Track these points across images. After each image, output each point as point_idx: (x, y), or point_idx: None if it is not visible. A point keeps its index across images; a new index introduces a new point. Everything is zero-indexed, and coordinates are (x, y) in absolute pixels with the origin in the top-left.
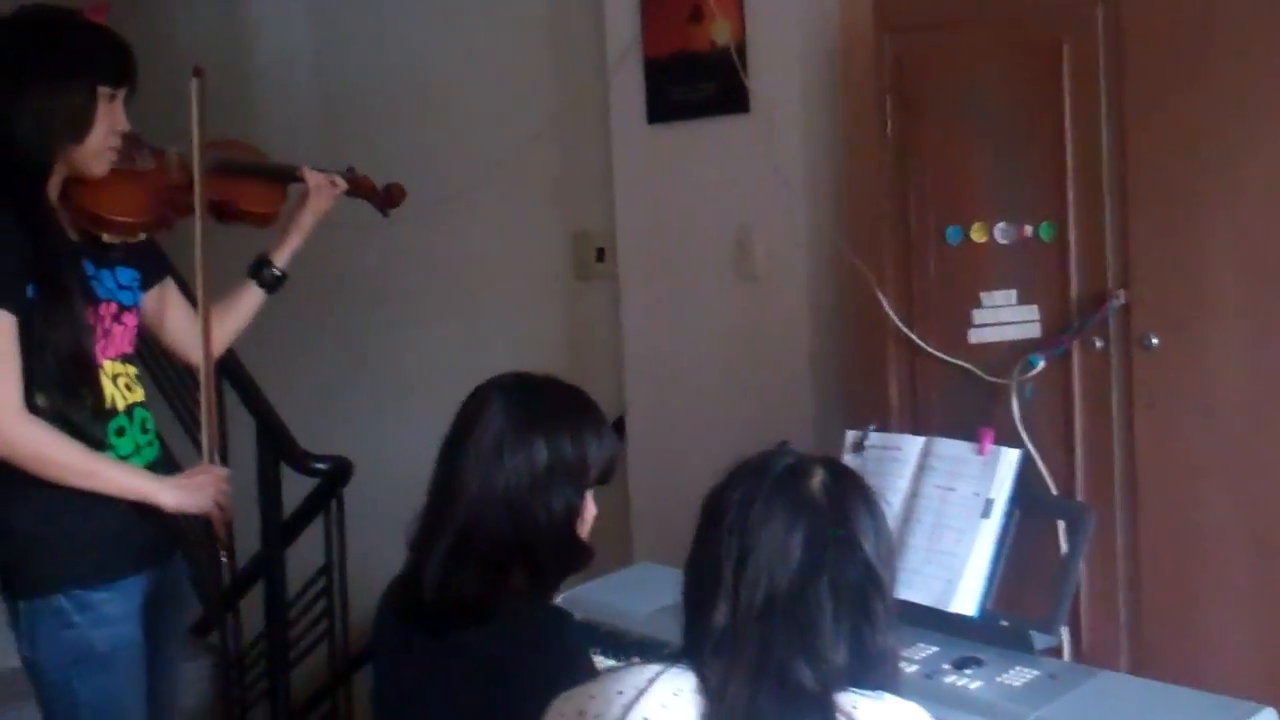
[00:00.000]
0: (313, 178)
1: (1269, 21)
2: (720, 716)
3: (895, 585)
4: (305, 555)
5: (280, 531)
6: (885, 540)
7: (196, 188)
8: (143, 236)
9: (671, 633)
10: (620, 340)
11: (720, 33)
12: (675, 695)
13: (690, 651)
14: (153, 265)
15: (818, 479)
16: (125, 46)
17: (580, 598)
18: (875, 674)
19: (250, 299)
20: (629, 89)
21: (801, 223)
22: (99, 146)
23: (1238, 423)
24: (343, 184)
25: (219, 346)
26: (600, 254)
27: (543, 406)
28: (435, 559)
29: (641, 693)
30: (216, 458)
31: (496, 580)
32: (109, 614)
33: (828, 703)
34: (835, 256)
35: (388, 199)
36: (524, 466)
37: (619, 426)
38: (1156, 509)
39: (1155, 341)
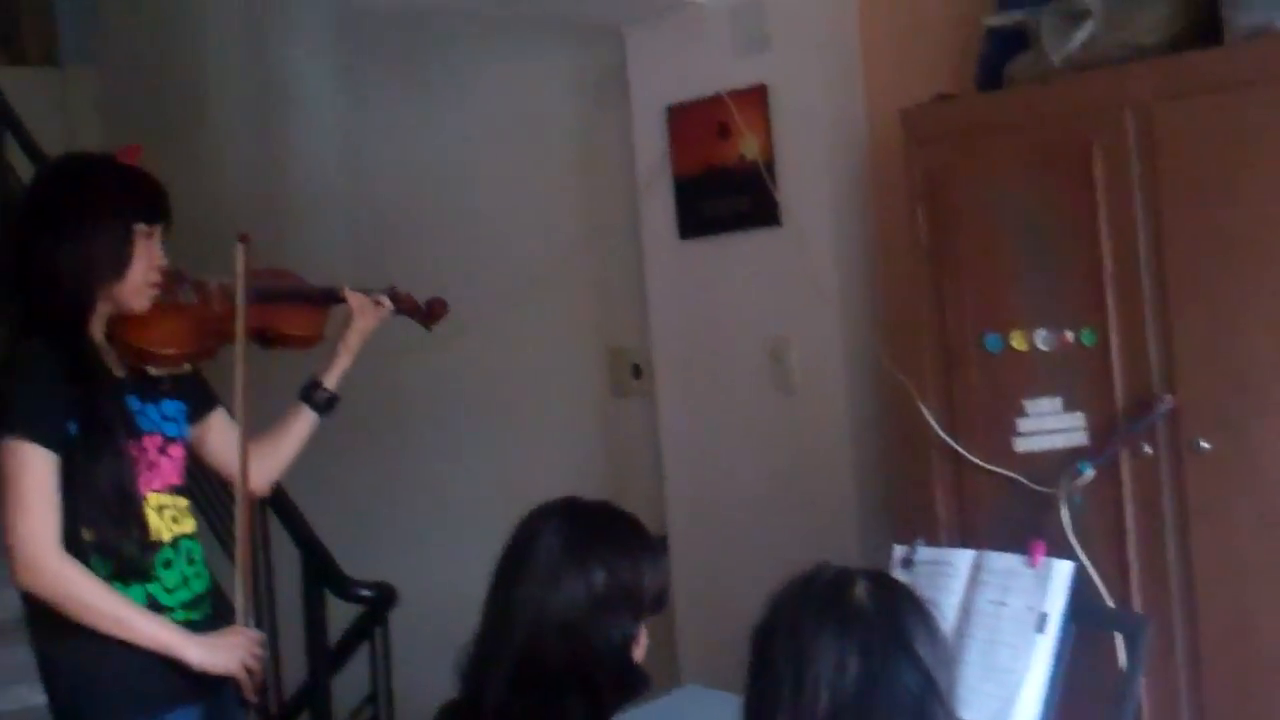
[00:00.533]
0: (354, 298)
1: None
2: None
3: (955, 694)
4: (350, 683)
5: (326, 660)
6: (941, 644)
7: (239, 345)
8: (187, 368)
9: None
10: (660, 456)
11: (749, 148)
12: None
13: None
14: (200, 398)
15: (861, 588)
16: (158, 186)
17: None
18: None
19: (303, 422)
20: (660, 205)
21: (837, 333)
22: (139, 283)
23: None
24: (387, 303)
25: (275, 473)
26: (637, 370)
27: (598, 532)
28: (494, 687)
29: None
30: (251, 620)
31: (556, 706)
32: None
33: None
34: (874, 367)
35: (430, 314)
36: (581, 592)
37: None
38: (1215, 615)
39: (1205, 445)
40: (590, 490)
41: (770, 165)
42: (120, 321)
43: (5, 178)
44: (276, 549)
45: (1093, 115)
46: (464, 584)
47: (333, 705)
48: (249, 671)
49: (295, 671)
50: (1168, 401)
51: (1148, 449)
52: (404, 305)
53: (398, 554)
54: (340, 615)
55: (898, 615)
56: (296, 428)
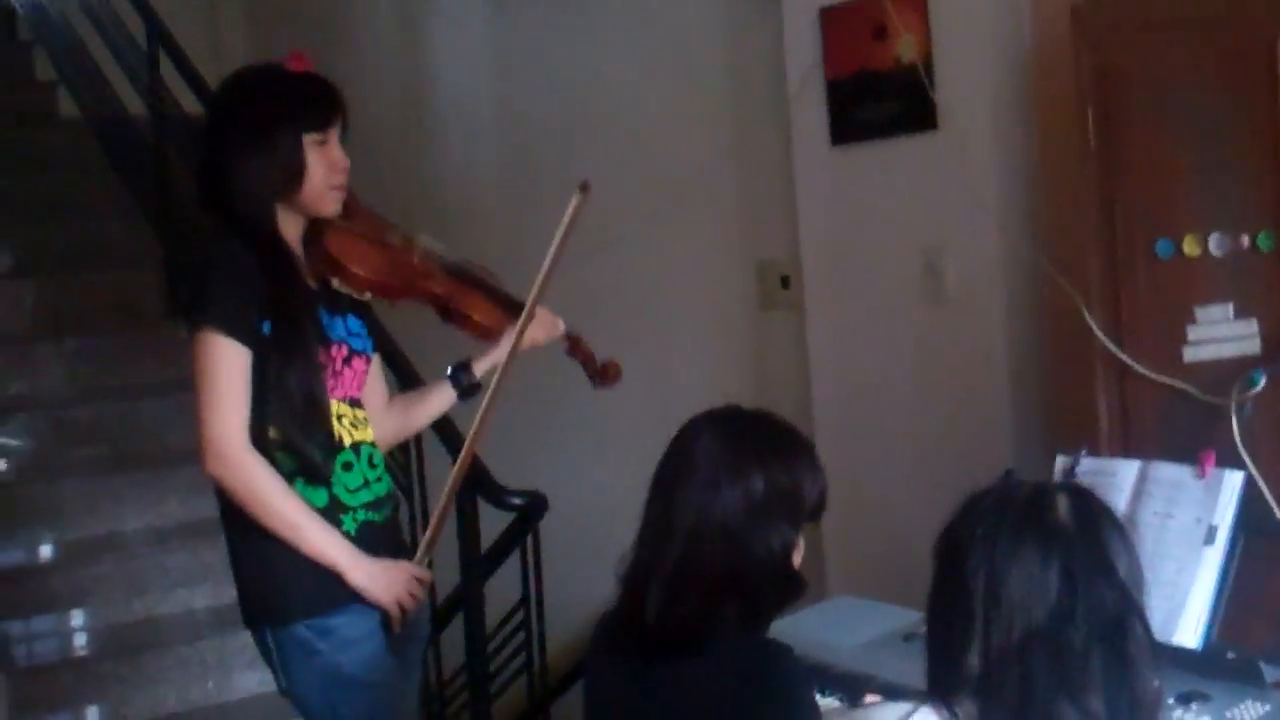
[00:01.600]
0: (543, 314)
1: None
2: None
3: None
4: (502, 589)
5: (479, 566)
6: (1137, 563)
7: (531, 299)
8: (368, 296)
9: (877, 665)
10: (807, 369)
11: (906, 49)
12: None
13: (940, 693)
14: (374, 330)
15: (1063, 505)
16: (328, 89)
17: (781, 632)
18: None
19: (442, 400)
20: (811, 111)
21: (996, 242)
22: (321, 188)
23: None
24: (563, 330)
25: (400, 437)
26: (785, 282)
27: (758, 439)
28: (655, 589)
29: None
30: (426, 561)
31: (714, 612)
32: (351, 636)
33: None
34: (1032, 276)
35: (603, 375)
36: (741, 498)
37: None
38: None
39: None
40: (738, 401)
41: (928, 67)
42: (323, 229)
43: (158, 92)
44: (429, 456)
45: (1275, 11)
46: (612, 494)
47: (485, 610)
48: (401, 608)
49: (449, 577)
50: None
51: None
52: (579, 351)
53: (549, 464)
54: (492, 523)
55: (1099, 533)
56: (435, 402)
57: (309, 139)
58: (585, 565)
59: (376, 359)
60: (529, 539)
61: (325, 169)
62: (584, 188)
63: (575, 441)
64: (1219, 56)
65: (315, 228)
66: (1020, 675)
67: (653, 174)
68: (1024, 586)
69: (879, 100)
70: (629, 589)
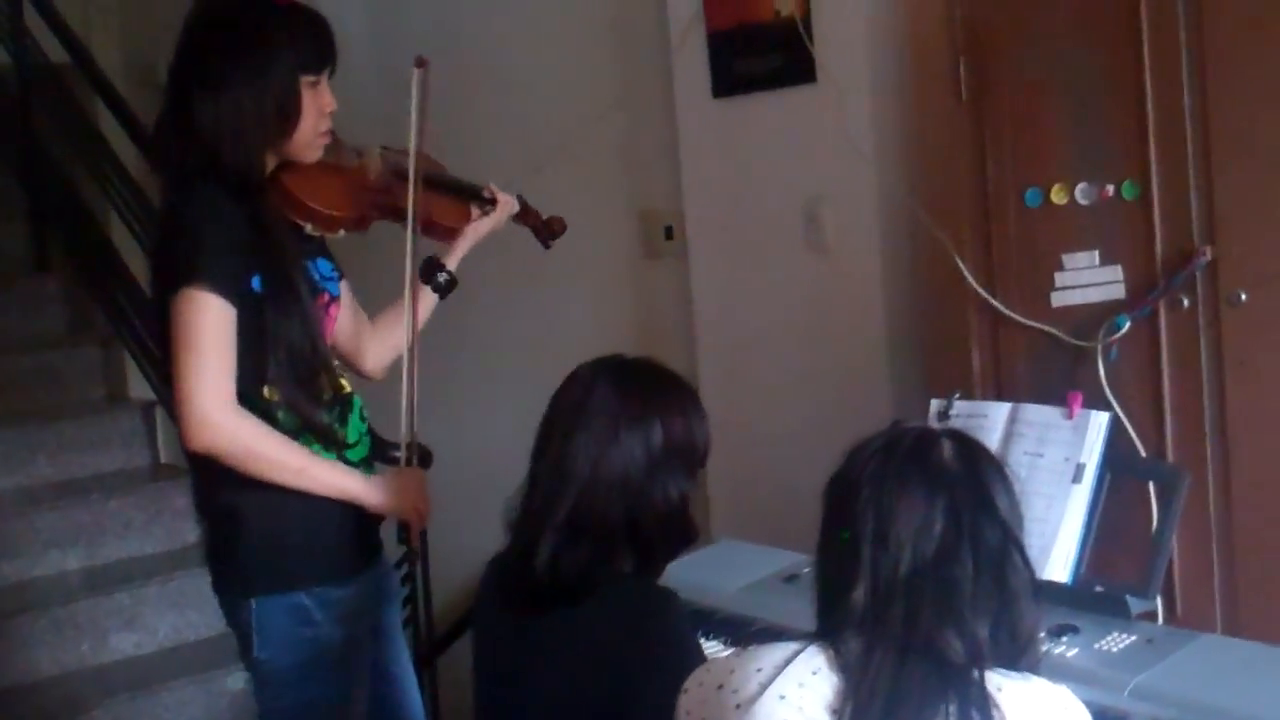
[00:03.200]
0: (500, 196)
1: None
2: (862, 693)
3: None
4: (389, 542)
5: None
6: (1016, 503)
7: (412, 184)
8: (341, 233)
9: (758, 609)
10: (691, 318)
11: (784, 2)
12: (814, 674)
13: (827, 631)
14: (338, 265)
15: (947, 448)
16: (323, 26)
17: (667, 576)
18: (1018, 654)
19: (423, 305)
20: (693, 63)
21: (873, 192)
22: (310, 135)
23: None
24: (516, 206)
25: (392, 355)
26: (669, 232)
27: (652, 388)
28: (546, 538)
29: (779, 670)
30: (415, 460)
31: (605, 560)
32: (351, 610)
33: (973, 679)
34: (909, 225)
35: (550, 230)
36: (640, 448)
37: None
38: (1249, 468)
39: (1244, 297)
40: (622, 350)
41: (806, 21)
42: (286, 174)
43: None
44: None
45: None
46: (499, 444)
47: None
48: (418, 514)
49: None
50: (1207, 254)
51: (1185, 302)
52: (529, 218)
53: (431, 417)
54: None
55: (981, 474)
56: (417, 310)
57: (305, 80)
58: (473, 517)
59: (349, 288)
60: None
61: (316, 114)
62: (420, 63)
63: (461, 393)
64: (1085, 10)
65: (274, 172)
66: (905, 609)
67: (537, 125)
68: (911, 525)
69: (759, 53)
70: (519, 536)
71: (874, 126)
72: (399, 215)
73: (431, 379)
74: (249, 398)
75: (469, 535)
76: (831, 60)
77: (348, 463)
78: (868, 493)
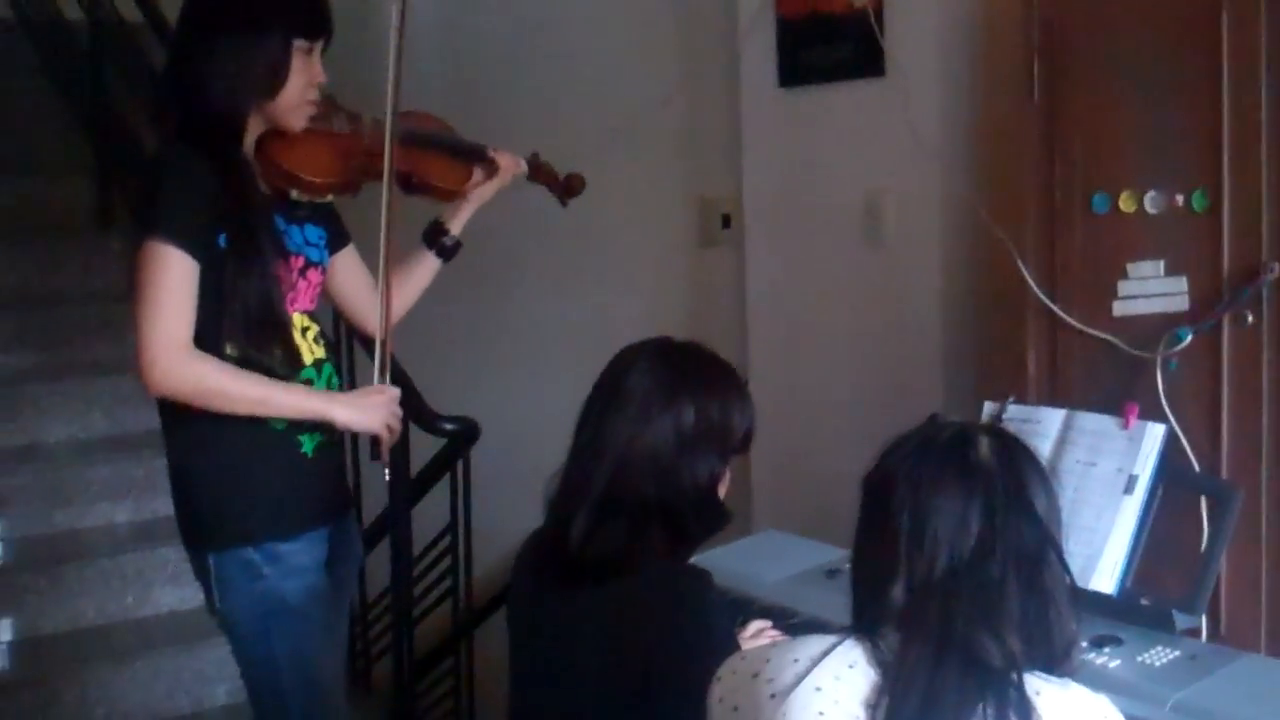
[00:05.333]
0: (502, 158)
1: None
2: (898, 689)
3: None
4: (431, 514)
5: (407, 490)
6: (1055, 503)
7: (388, 128)
8: (330, 198)
9: (799, 601)
10: (744, 307)
11: None
12: (850, 667)
13: (864, 627)
14: (338, 229)
15: (984, 445)
16: (322, 0)
17: (708, 563)
18: (1056, 659)
19: (426, 268)
20: (760, 52)
21: (936, 188)
22: (296, 100)
23: None
24: (524, 167)
25: (396, 314)
26: (726, 220)
27: (690, 370)
28: (581, 515)
29: (816, 662)
30: (388, 379)
31: (639, 538)
32: (299, 565)
33: (1011, 681)
34: (970, 224)
35: (568, 188)
36: (670, 428)
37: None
38: None
39: None
40: (674, 336)
41: (879, 13)
42: (271, 139)
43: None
44: (362, 380)
45: None
46: (545, 423)
47: (412, 535)
48: (389, 430)
49: (376, 500)
50: (1275, 270)
51: (1250, 318)
52: (542, 174)
53: (482, 391)
54: (424, 449)
55: (1019, 473)
56: (419, 272)
57: (297, 44)
58: (514, 493)
59: (354, 252)
60: (459, 465)
61: (304, 81)
62: None
63: (512, 371)
64: (1165, 14)
65: (261, 138)
66: (941, 608)
67: (601, 109)
68: (947, 523)
69: (829, 43)
70: (556, 513)
71: (941, 123)
72: (396, 178)
73: (483, 357)
74: (216, 351)
75: (511, 513)
76: (902, 54)
77: (303, 428)
78: (904, 490)
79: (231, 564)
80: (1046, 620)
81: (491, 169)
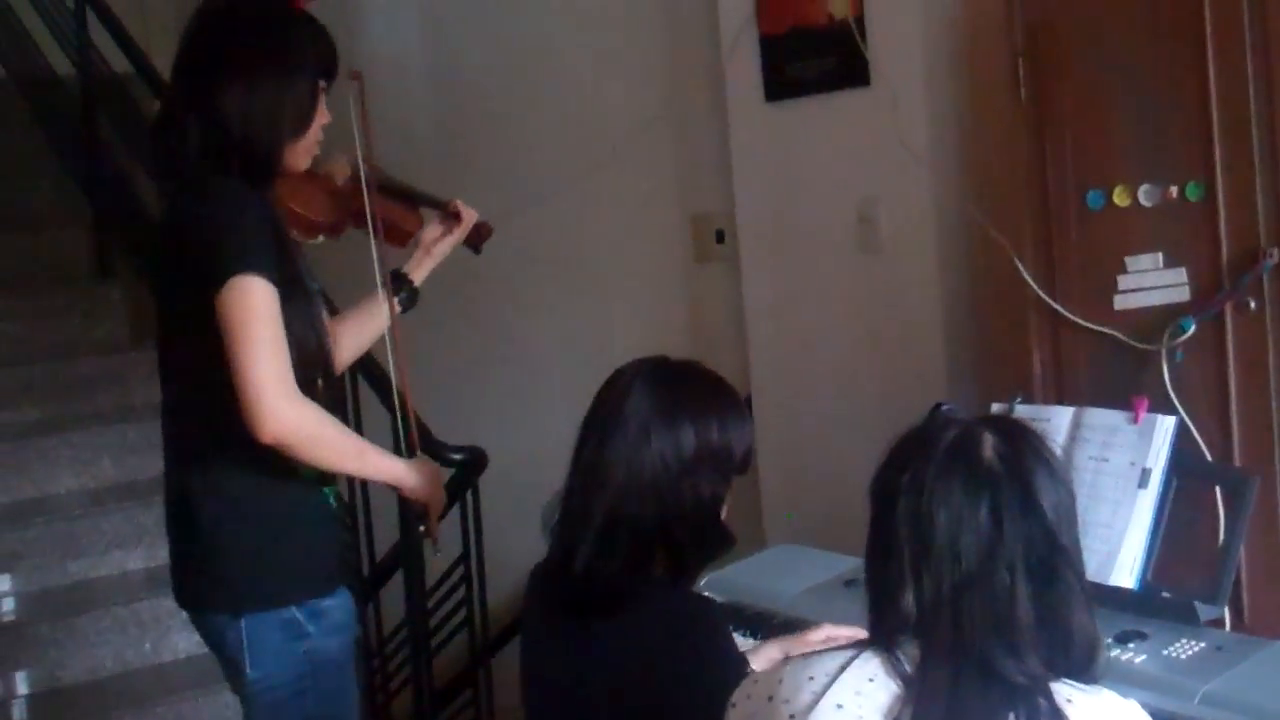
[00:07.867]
0: (467, 212)
1: None
2: (922, 700)
3: (1080, 551)
4: (442, 545)
5: (418, 521)
6: (1066, 497)
7: (365, 192)
8: (320, 239)
9: (819, 612)
10: (743, 321)
11: (838, 5)
12: (870, 681)
13: (880, 638)
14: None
15: (989, 445)
16: (331, 39)
17: (725, 580)
18: (1079, 664)
19: (386, 315)
20: (745, 68)
21: (928, 193)
22: (311, 141)
23: None
24: (476, 219)
25: (351, 358)
26: (720, 235)
27: (688, 392)
28: (584, 544)
29: (833, 678)
30: (417, 450)
31: (642, 567)
32: (340, 621)
33: (1040, 690)
34: (964, 227)
35: (479, 238)
36: (671, 452)
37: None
38: None
39: None
40: (673, 355)
41: (861, 23)
42: (278, 180)
43: (87, 52)
44: (368, 414)
45: None
46: (551, 449)
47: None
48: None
49: (387, 533)
50: (1274, 256)
51: (1253, 304)
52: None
53: (486, 419)
54: None
55: (1025, 472)
56: (380, 318)
57: (321, 85)
58: (524, 520)
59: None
60: (470, 494)
61: (320, 121)
62: (355, 76)
63: (513, 397)
64: (1149, 9)
65: None
66: (953, 617)
67: (588, 129)
68: (953, 529)
69: (812, 56)
70: (559, 542)
71: (929, 128)
72: (364, 221)
73: (487, 383)
74: None
75: (522, 540)
76: (886, 62)
77: (326, 480)
78: (908, 495)
79: (269, 625)
80: (1064, 624)
81: (450, 221)
